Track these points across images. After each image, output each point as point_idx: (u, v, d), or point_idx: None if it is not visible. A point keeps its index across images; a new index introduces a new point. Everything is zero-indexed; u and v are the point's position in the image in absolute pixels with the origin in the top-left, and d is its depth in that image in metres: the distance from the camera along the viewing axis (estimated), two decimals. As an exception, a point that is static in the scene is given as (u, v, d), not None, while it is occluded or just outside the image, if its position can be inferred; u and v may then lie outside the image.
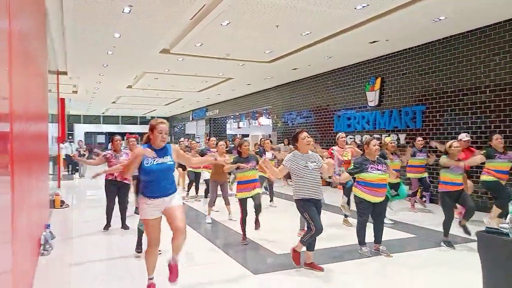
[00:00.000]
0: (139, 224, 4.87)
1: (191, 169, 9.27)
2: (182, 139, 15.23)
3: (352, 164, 5.00)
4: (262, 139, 9.36)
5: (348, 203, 6.59)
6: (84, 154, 15.96)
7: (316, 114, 13.48)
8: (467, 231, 5.34)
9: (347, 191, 6.48)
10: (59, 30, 8.44)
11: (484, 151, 5.89)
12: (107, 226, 6.24)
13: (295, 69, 12.44)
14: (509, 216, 2.34)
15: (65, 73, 12.94)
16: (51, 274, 4.39)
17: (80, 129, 31.47)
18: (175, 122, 33.15)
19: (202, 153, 8.43)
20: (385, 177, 4.85)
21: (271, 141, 9.15)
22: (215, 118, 24.42)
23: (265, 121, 24.36)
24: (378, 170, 4.82)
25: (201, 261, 4.84)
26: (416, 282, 4.16)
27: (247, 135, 26.36)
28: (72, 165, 16.85)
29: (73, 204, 9.17)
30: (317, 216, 4.25)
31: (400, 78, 9.92)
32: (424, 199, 8.31)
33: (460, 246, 5.30)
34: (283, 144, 13.48)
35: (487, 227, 2.53)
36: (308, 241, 4.28)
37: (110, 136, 6.66)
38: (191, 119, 28.17)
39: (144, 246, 4.72)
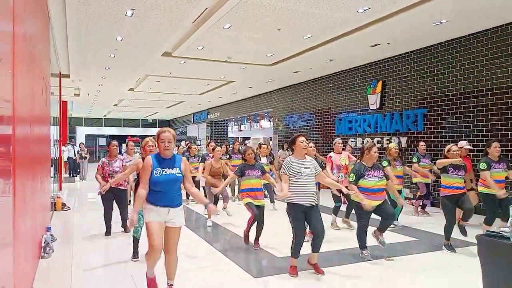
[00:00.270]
0: (134, 231, 4.87)
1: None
2: (183, 143, 15.24)
3: (353, 175, 4.93)
4: (260, 143, 9.36)
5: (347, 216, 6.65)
6: (86, 157, 15.99)
7: (318, 117, 13.48)
8: (463, 231, 5.35)
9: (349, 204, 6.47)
10: (62, 33, 8.47)
11: (482, 165, 5.72)
12: (107, 232, 6.23)
13: (296, 72, 12.46)
14: (510, 220, 2.33)
15: (67, 76, 13.00)
16: (52, 276, 4.39)
17: (82, 132, 31.52)
18: (176, 125, 33.18)
19: (202, 159, 8.45)
20: (382, 183, 4.84)
21: (267, 146, 9.11)
22: (216, 121, 24.44)
23: (266, 124, 24.37)
24: (375, 176, 4.81)
25: (202, 264, 4.83)
26: (417, 286, 4.14)
27: (248, 138, 26.40)
28: (74, 167, 16.88)
29: (74, 206, 9.18)
30: (301, 224, 4.25)
31: (402, 81, 9.92)
32: (425, 206, 8.18)
33: (460, 249, 5.29)
34: (282, 150, 13.49)
35: (488, 231, 2.53)
36: (296, 252, 4.27)
37: (109, 138, 6.68)
38: (192, 122, 28.20)
39: (141, 252, 4.76)
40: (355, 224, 5.43)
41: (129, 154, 7.21)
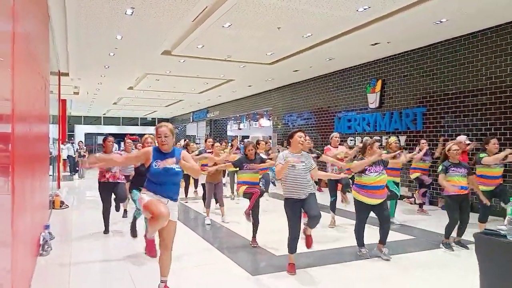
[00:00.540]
0: (135, 213, 5.24)
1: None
2: (182, 141, 15.27)
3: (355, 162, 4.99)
4: (258, 140, 9.39)
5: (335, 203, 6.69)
6: (85, 155, 16.00)
7: (317, 115, 13.49)
8: (463, 246, 5.39)
9: (345, 186, 6.54)
10: (62, 31, 8.47)
11: (481, 157, 5.76)
12: (106, 231, 6.24)
13: (296, 70, 12.46)
14: (507, 218, 2.34)
15: (66, 74, 12.99)
16: (50, 274, 4.39)
17: (81, 130, 31.53)
18: (175, 124, 33.17)
19: (200, 154, 8.53)
20: (383, 178, 4.85)
21: (265, 142, 9.17)
22: (215, 120, 24.44)
23: (265, 122, 24.38)
24: (376, 172, 4.83)
25: (199, 262, 4.84)
26: (414, 284, 4.15)
27: (247, 137, 26.42)
28: (72, 166, 16.87)
29: (73, 205, 9.18)
30: (296, 222, 4.26)
31: (401, 80, 9.93)
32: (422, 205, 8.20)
33: (458, 248, 5.31)
34: (281, 146, 13.49)
35: (485, 229, 2.54)
36: (292, 247, 4.30)
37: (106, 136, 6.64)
38: (191, 121, 28.21)
39: (129, 252, 4.96)
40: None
41: (127, 151, 7.23)
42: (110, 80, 14.57)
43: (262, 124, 25.17)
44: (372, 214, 4.95)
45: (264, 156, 8.57)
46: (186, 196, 9.83)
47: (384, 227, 4.90)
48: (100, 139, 32.11)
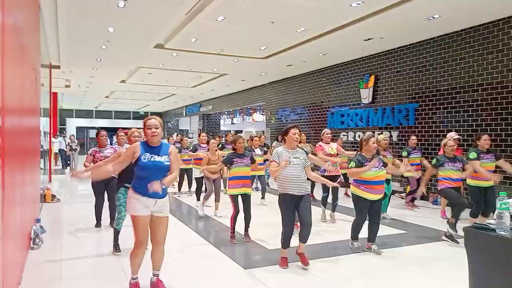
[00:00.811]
0: (115, 224, 4.84)
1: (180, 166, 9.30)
2: (174, 135, 15.24)
3: (353, 163, 4.94)
4: (252, 135, 9.38)
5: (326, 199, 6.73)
6: (76, 149, 15.89)
7: (310, 111, 13.51)
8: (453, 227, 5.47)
9: (334, 190, 6.54)
10: (53, 23, 8.35)
11: (472, 156, 5.83)
12: (98, 224, 6.21)
13: (289, 65, 12.45)
14: (496, 212, 2.38)
15: (58, 67, 12.84)
16: (41, 268, 4.37)
17: (72, 124, 31.25)
18: (168, 118, 33.04)
19: (194, 149, 8.53)
20: (382, 174, 4.88)
21: (259, 137, 9.15)
22: (208, 114, 24.37)
23: (259, 117, 24.38)
24: (376, 167, 4.84)
25: (192, 256, 4.85)
26: (404, 278, 4.19)
27: (240, 131, 26.39)
28: (64, 159, 16.76)
29: (65, 198, 9.12)
30: (290, 216, 4.27)
31: (394, 75, 9.97)
32: (414, 200, 8.26)
33: (449, 242, 5.38)
34: (276, 141, 13.49)
35: (474, 223, 2.57)
36: (285, 242, 4.31)
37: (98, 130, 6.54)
38: (184, 115, 28.10)
39: (122, 246, 4.78)
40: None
41: (119, 144, 7.18)
42: (102, 73, 14.43)
43: (255, 119, 25.17)
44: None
45: (258, 151, 8.60)
46: (179, 190, 9.85)
47: (374, 224, 4.94)
48: (92, 133, 31.91)
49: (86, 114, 32.47)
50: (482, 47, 7.83)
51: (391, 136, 9.97)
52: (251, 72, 13.91)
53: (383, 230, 5.93)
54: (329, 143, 6.74)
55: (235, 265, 4.44)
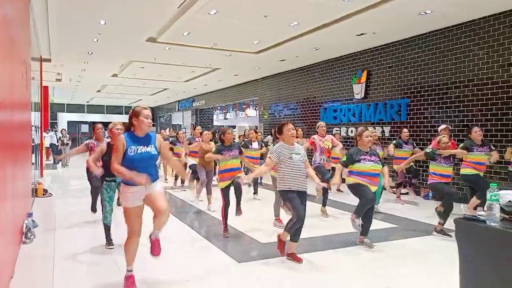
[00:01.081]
0: (103, 219, 4.77)
1: (175, 158, 9.30)
2: (167, 130, 15.18)
3: (345, 156, 4.99)
4: (247, 130, 9.39)
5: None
6: (68, 143, 15.76)
7: (303, 106, 13.53)
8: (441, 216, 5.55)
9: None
10: (43, 15, 8.23)
11: (462, 144, 6.04)
12: (93, 208, 6.18)
13: (282, 60, 12.43)
14: (487, 203, 2.41)
15: (48, 60, 12.68)
16: (34, 262, 4.35)
17: (64, 118, 30.92)
18: (161, 112, 32.86)
19: (189, 142, 8.56)
20: (378, 168, 4.91)
21: (255, 131, 9.12)
22: (201, 109, 24.28)
23: (252, 112, 24.33)
24: (371, 161, 4.87)
25: (185, 250, 4.85)
26: (396, 271, 4.24)
27: (233, 126, 26.33)
28: (56, 154, 16.60)
29: (57, 193, 9.06)
30: (300, 205, 4.23)
31: (386, 71, 10.02)
32: (412, 186, 8.35)
33: (439, 235, 5.44)
34: (270, 136, 13.47)
35: (464, 215, 2.61)
36: (292, 229, 4.24)
37: (92, 124, 6.51)
38: (177, 110, 27.96)
39: (115, 241, 4.73)
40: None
41: (98, 139, 7.15)
42: (93, 67, 14.28)
43: (248, 114, 25.11)
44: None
45: (256, 146, 8.58)
46: (175, 184, 9.86)
47: (369, 219, 4.95)
48: (83, 128, 31.64)
49: (78, 108, 32.14)
50: (473, 43, 7.89)
51: (383, 131, 10.03)
52: (244, 67, 13.87)
53: (375, 224, 5.98)
54: (324, 136, 6.73)
55: (229, 259, 4.44)
